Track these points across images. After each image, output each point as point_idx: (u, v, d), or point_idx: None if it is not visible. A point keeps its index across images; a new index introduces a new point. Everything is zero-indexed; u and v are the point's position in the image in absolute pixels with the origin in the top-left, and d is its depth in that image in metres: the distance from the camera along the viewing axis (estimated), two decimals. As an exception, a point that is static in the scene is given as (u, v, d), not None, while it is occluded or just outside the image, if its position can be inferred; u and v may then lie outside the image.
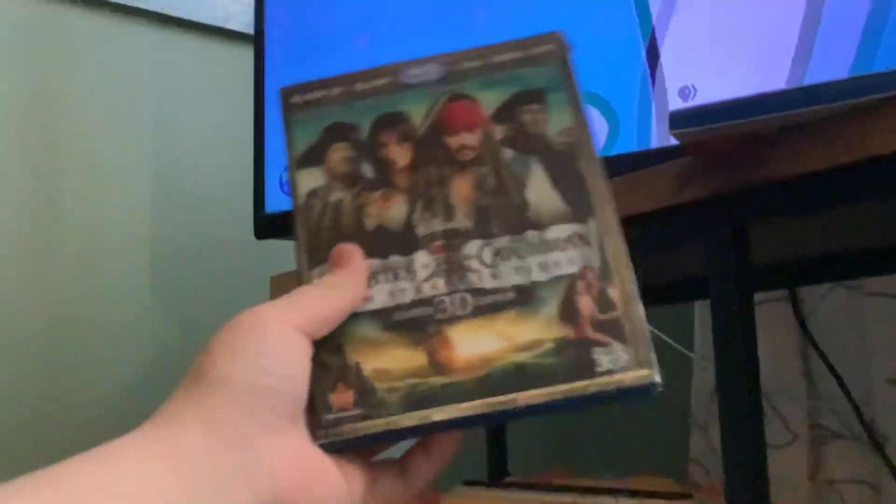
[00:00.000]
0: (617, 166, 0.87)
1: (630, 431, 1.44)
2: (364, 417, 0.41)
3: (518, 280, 0.44)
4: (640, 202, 0.75)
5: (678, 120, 0.68)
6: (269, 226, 1.30)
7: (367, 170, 0.47)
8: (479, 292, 0.44)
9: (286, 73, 1.30)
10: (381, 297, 0.44)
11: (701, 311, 1.26)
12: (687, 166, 0.73)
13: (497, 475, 1.32)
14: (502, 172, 0.47)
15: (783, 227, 0.83)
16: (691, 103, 0.87)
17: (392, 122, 0.48)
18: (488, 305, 0.43)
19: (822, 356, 1.08)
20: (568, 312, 0.43)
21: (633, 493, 1.00)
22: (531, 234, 0.45)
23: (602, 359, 0.42)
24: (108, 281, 1.49)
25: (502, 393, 0.41)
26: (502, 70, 0.49)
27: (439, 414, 0.41)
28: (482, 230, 0.45)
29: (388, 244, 0.45)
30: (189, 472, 0.38)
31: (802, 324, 1.12)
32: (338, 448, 0.41)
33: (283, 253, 1.66)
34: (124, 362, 1.48)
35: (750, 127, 0.67)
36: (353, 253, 0.46)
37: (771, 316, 1.14)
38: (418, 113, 0.48)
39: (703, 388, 1.25)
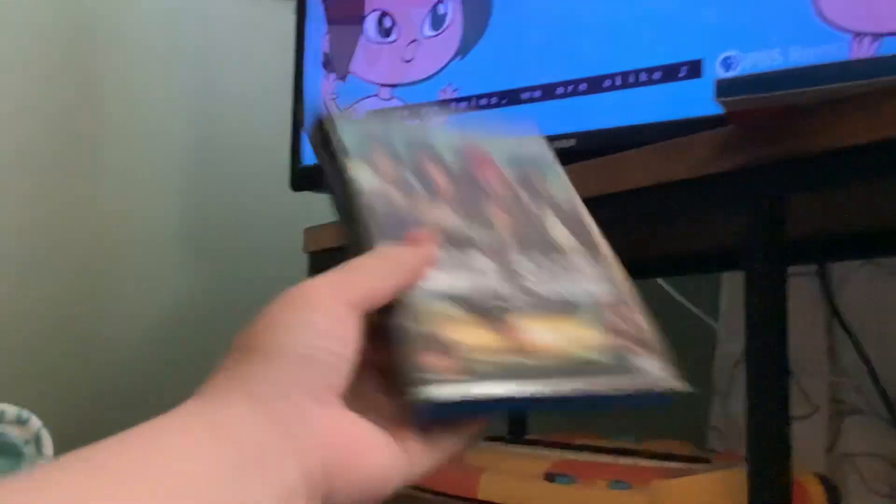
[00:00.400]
0: (658, 133, 0.88)
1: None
2: (468, 381, 0.40)
3: (560, 292, 0.47)
4: (678, 169, 0.76)
5: (725, 88, 0.69)
6: (305, 178, 1.32)
7: (413, 180, 0.49)
8: (534, 295, 0.46)
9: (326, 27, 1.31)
10: (450, 281, 0.45)
11: (728, 282, 1.27)
12: (727, 135, 0.74)
13: (517, 433, 1.34)
14: (525, 206, 0.51)
15: (818, 200, 0.84)
16: (736, 72, 0.87)
17: (426, 146, 0.51)
18: (544, 308, 0.46)
19: (848, 332, 1.09)
20: (611, 325, 0.47)
21: (652, 455, 1.02)
22: (558, 258, 0.49)
23: (646, 366, 0.47)
24: (142, 225, 1.51)
25: (581, 379, 0.43)
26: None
27: (537, 388, 0.42)
28: (521, 246, 0.48)
29: (446, 241, 0.47)
30: (231, 444, 0.36)
31: (830, 299, 1.13)
32: (433, 413, 0.41)
33: (317, 205, 1.68)
34: (151, 308, 1.51)
35: (794, 98, 0.67)
36: (428, 236, 0.46)
37: (798, 290, 1.15)
38: (447, 147, 0.52)
39: (726, 358, 1.26)
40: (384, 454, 0.40)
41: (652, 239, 1.11)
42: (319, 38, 1.32)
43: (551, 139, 1.03)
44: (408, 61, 1.18)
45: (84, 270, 1.45)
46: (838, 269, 1.14)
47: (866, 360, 1.08)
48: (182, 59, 1.58)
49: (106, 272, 1.47)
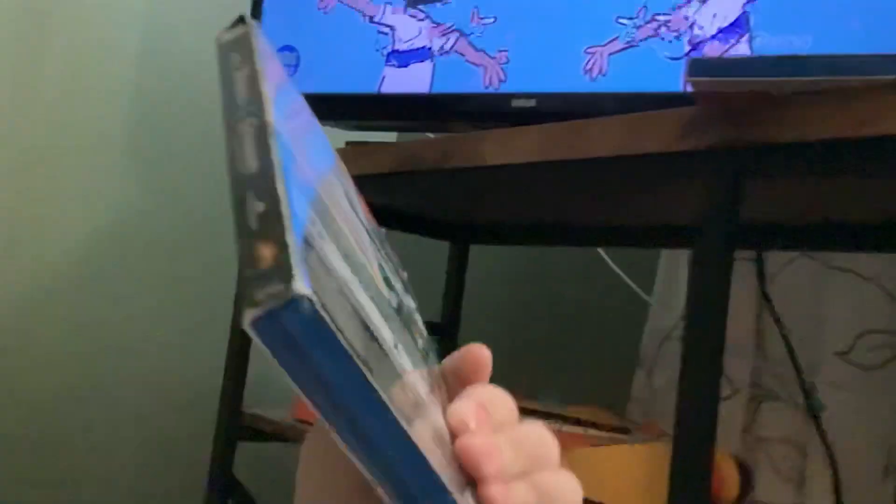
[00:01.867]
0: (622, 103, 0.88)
1: (576, 364, 1.48)
2: None
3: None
4: (644, 143, 0.76)
5: (696, 68, 0.68)
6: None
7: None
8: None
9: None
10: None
11: (666, 259, 1.28)
12: (694, 115, 0.74)
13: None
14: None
15: (769, 188, 0.85)
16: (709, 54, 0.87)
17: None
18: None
19: (777, 320, 1.12)
20: None
21: (577, 422, 1.03)
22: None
23: None
24: (85, 130, 1.46)
25: None
26: None
27: None
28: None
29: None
30: None
31: (763, 286, 1.15)
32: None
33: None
34: (91, 214, 1.46)
35: (765, 86, 0.68)
36: None
37: (734, 274, 1.16)
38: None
39: (656, 333, 1.28)
40: None
41: (600, 209, 1.12)
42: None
43: (514, 97, 1.02)
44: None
45: (24, 174, 1.40)
46: (774, 259, 1.16)
47: (790, 349, 1.11)
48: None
49: (49, 177, 1.42)
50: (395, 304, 0.34)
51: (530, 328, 1.58)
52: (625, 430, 1.05)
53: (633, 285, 1.32)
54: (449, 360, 0.37)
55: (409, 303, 0.37)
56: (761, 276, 1.15)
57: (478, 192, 1.04)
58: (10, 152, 1.39)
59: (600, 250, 1.33)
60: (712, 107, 0.72)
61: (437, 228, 1.47)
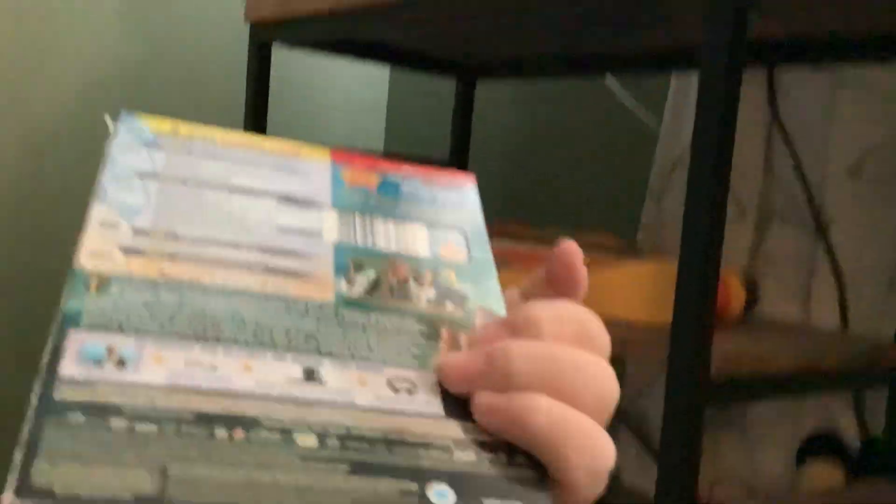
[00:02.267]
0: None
1: (585, 191, 1.49)
2: None
3: None
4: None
5: None
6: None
7: None
8: None
9: None
10: None
11: (677, 86, 1.27)
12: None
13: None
14: None
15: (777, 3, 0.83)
16: None
17: None
18: None
19: (786, 139, 1.11)
20: None
21: (589, 246, 1.05)
22: None
23: None
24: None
25: None
26: None
27: None
28: None
29: None
30: None
31: (773, 105, 1.14)
32: None
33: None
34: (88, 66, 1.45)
35: None
36: None
37: (743, 94, 1.15)
38: None
39: (665, 161, 1.28)
40: None
41: (609, 36, 1.09)
42: None
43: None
44: None
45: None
46: (782, 77, 1.15)
47: (799, 167, 1.11)
48: None
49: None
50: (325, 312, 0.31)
51: (540, 161, 1.58)
52: (637, 253, 1.07)
53: (642, 115, 1.31)
54: (545, 268, 0.34)
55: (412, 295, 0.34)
56: (771, 94, 1.14)
57: (482, 23, 1.02)
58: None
59: (608, 81, 1.31)
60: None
61: (443, 65, 1.45)
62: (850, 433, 1.08)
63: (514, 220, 1.58)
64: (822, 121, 1.11)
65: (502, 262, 0.99)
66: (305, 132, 1.77)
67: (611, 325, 0.89)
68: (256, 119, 1.27)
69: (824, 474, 1.04)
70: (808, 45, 1.02)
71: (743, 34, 0.71)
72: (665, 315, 0.92)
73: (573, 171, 1.51)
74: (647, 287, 0.91)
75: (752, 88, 1.15)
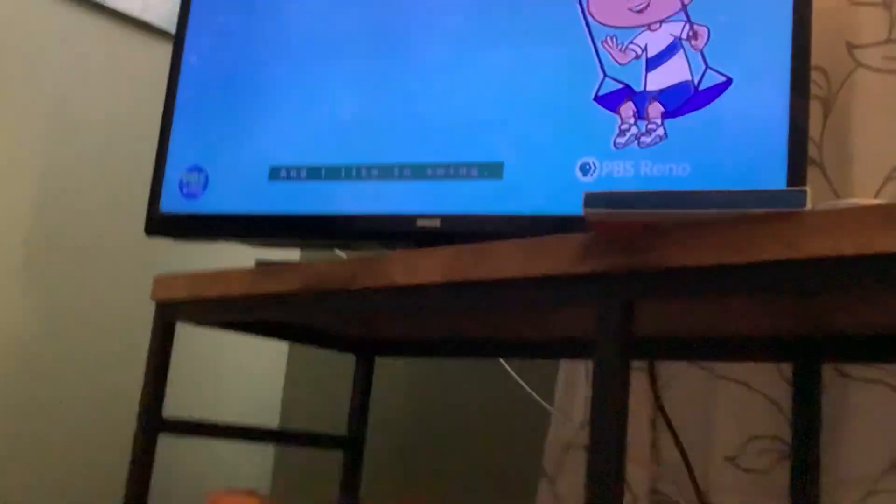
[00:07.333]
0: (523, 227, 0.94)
1: (482, 473, 1.50)
2: None
3: None
4: (545, 265, 0.82)
5: (592, 201, 0.75)
6: (161, 224, 1.30)
7: None
8: None
9: (202, 75, 1.31)
10: None
11: (567, 370, 1.33)
12: (591, 240, 0.80)
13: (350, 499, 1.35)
14: None
15: (658, 307, 0.92)
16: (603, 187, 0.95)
17: None
18: None
19: (670, 427, 1.18)
20: None
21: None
22: None
23: None
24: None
25: None
26: None
27: None
28: None
29: None
30: None
31: (656, 395, 1.21)
32: None
33: (169, 254, 1.65)
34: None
35: (653, 217, 0.74)
36: None
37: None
38: None
39: (557, 442, 1.32)
40: None
41: (503, 325, 1.17)
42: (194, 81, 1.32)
43: (417, 218, 1.07)
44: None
45: None
46: (666, 369, 1.23)
47: (684, 455, 1.17)
48: (39, 90, 1.53)
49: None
50: None
51: (437, 439, 1.60)
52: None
53: (536, 396, 1.37)
54: None
55: None
56: (654, 385, 1.21)
57: (385, 310, 1.08)
58: None
59: (503, 363, 1.38)
60: (606, 234, 0.79)
61: (344, 343, 1.50)
62: None
63: (411, 497, 1.57)
64: (703, 411, 1.18)
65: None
66: (200, 403, 1.75)
67: None
68: (156, 393, 1.26)
69: None
70: (687, 343, 1.11)
71: (629, 335, 0.78)
72: None
73: (469, 450, 1.53)
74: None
75: (635, 379, 1.23)
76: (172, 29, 1.45)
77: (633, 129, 0.98)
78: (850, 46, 1.13)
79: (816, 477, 1.05)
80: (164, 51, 1.57)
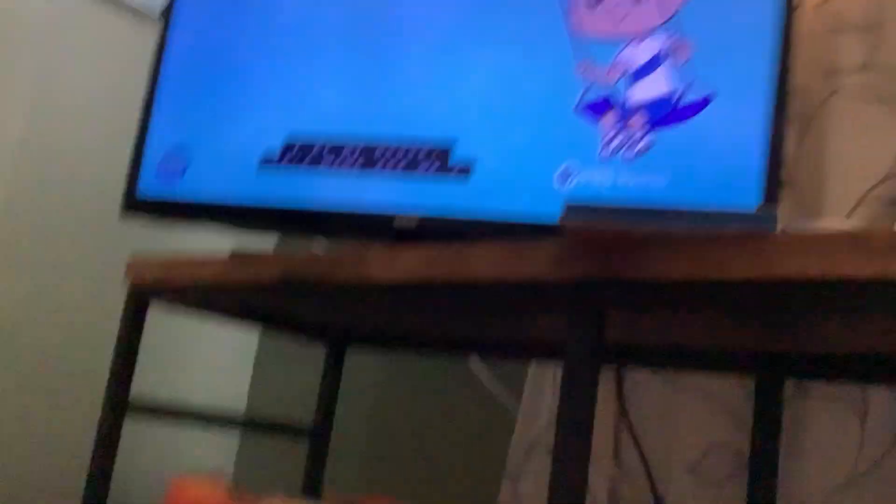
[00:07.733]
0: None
1: (446, 471, 1.51)
2: None
3: None
4: (522, 270, 0.83)
5: (570, 212, 0.76)
6: (139, 205, 1.29)
7: None
8: None
9: (188, 58, 1.31)
10: None
11: (535, 373, 1.35)
12: (567, 248, 0.81)
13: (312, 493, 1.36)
14: None
15: (629, 316, 0.93)
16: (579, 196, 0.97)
17: None
18: None
19: (633, 433, 1.20)
20: None
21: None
22: None
23: None
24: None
25: None
26: None
27: None
28: None
29: None
30: None
31: (621, 401, 1.23)
32: None
33: (144, 236, 1.64)
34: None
35: (628, 229, 0.76)
36: None
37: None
38: None
39: (521, 443, 1.34)
40: None
41: (478, 325, 1.18)
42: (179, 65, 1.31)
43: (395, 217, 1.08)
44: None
45: None
46: (632, 376, 1.25)
47: (644, 461, 1.19)
48: (21, 70, 1.52)
49: None
50: None
51: (403, 435, 1.61)
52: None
53: (501, 396, 1.38)
54: None
55: None
56: (619, 391, 1.23)
57: (359, 304, 1.09)
58: None
59: (471, 364, 1.39)
60: (582, 243, 0.80)
61: (314, 331, 1.50)
62: None
63: (374, 495, 1.58)
64: (665, 419, 1.20)
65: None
66: (168, 387, 1.75)
67: None
68: (124, 375, 1.26)
69: None
70: (654, 352, 1.13)
71: (600, 341, 0.80)
72: None
73: (434, 447, 1.54)
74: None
75: (602, 385, 1.25)
76: (156, 12, 1.44)
77: (615, 140, 1.00)
78: (828, 72, 1.15)
79: (773, 489, 1.08)
80: (149, 33, 1.56)
